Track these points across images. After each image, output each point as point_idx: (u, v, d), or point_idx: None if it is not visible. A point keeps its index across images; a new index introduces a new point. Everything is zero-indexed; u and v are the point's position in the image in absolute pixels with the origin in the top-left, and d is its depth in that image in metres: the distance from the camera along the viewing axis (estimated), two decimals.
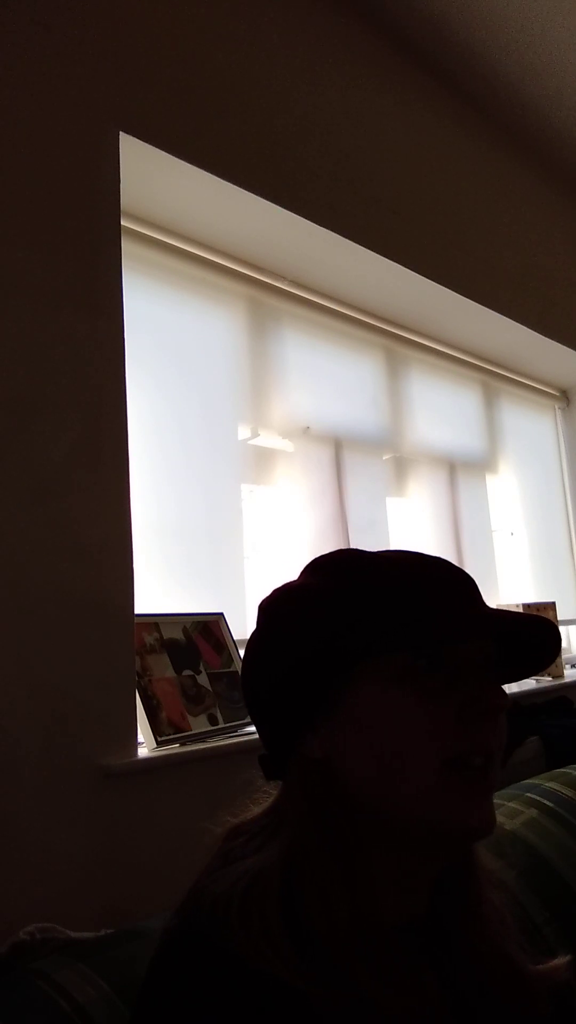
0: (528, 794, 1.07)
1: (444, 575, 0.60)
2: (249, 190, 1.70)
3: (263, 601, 0.64)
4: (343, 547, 2.01)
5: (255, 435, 1.97)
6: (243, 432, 1.94)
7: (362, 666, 0.55)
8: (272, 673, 0.59)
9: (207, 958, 0.49)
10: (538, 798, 1.05)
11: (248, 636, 0.64)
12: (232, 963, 0.48)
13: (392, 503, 2.32)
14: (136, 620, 1.34)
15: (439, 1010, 0.53)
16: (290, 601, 0.61)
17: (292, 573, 0.67)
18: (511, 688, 2.30)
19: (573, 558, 3.10)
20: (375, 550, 0.64)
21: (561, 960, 0.63)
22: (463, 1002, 0.56)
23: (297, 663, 0.57)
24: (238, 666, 1.55)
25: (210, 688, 1.48)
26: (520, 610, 2.37)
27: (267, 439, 1.99)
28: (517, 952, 0.60)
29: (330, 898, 0.51)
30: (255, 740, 0.80)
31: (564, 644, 2.79)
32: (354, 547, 0.65)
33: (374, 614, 0.56)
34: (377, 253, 2.02)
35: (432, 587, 0.58)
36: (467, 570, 0.62)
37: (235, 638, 1.60)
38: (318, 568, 0.63)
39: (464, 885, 0.60)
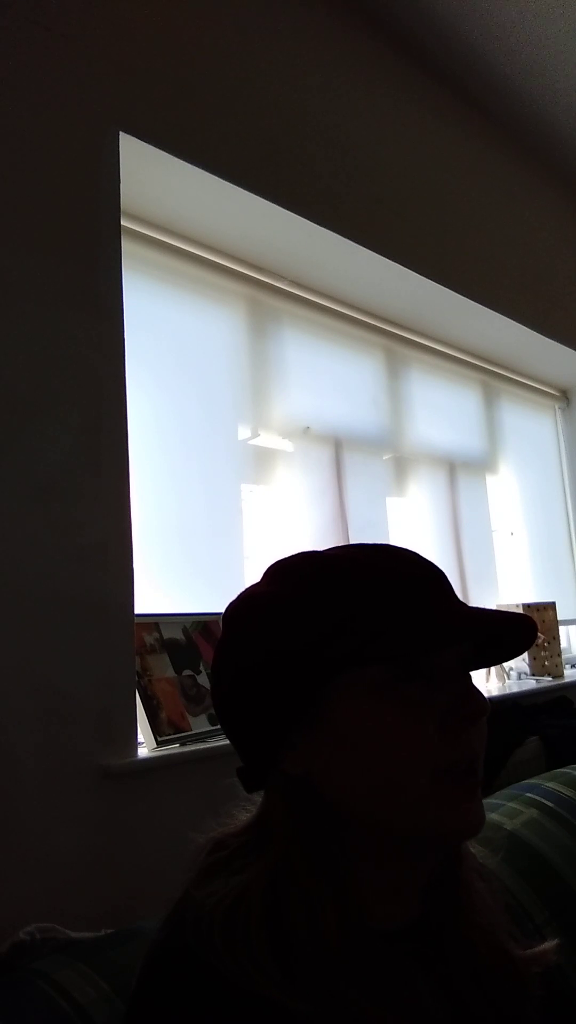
0: (528, 794, 1.07)
1: (414, 573, 0.58)
2: (249, 190, 1.70)
3: (228, 609, 0.62)
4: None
5: (255, 435, 1.97)
6: (243, 432, 1.94)
7: (337, 679, 0.54)
8: (244, 688, 0.58)
9: (192, 976, 0.49)
10: (538, 798, 1.05)
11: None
12: (217, 981, 0.48)
13: (392, 503, 2.32)
14: (136, 620, 1.34)
15: (433, 1021, 0.53)
16: (259, 612, 0.59)
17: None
18: (511, 688, 2.30)
19: (573, 558, 3.10)
20: (338, 547, 0.62)
21: (550, 944, 0.63)
22: (456, 996, 0.56)
23: (269, 678, 0.56)
24: None
25: (210, 688, 1.48)
26: (519, 610, 2.37)
27: (267, 439, 1.99)
28: (506, 938, 0.61)
29: (317, 916, 0.51)
30: None
31: (564, 644, 2.79)
32: (313, 549, 0.63)
33: (347, 626, 0.54)
34: (377, 253, 2.02)
35: (405, 591, 0.56)
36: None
37: None
38: (283, 574, 0.61)
39: (451, 877, 0.60)
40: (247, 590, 0.62)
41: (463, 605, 0.58)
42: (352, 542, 0.67)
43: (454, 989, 0.56)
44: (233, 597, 0.64)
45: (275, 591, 0.60)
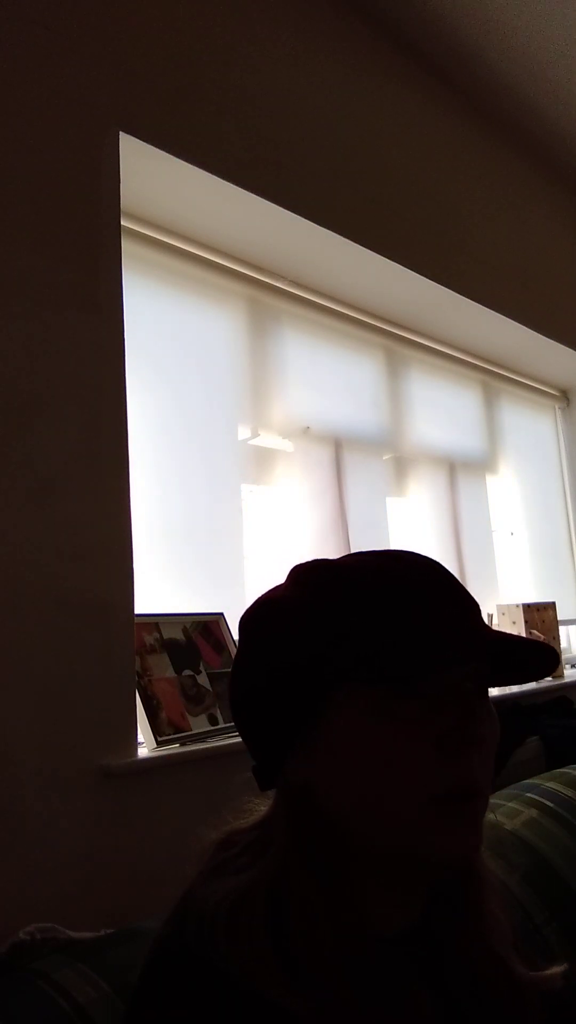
0: (528, 794, 1.07)
1: (426, 584, 0.56)
2: (249, 190, 1.70)
3: (243, 616, 0.62)
4: (339, 549, 2.00)
5: (255, 435, 1.97)
6: (243, 432, 1.94)
7: (336, 691, 0.53)
8: (252, 693, 0.58)
9: (194, 973, 0.49)
10: (538, 798, 1.06)
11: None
12: (218, 979, 0.48)
13: (392, 503, 2.32)
14: (136, 620, 1.34)
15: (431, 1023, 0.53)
16: (267, 619, 0.60)
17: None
18: (512, 688, 2.30)
19: (573, 558, 3.10)
20: (354, 554, 0.62)
21: (558, 968, 0.62)
22: (455, 1008, 0.55)
23: (273, 686, 0.56)
24: None
25: (210, 688, 1.48)
26: (519, 610, 2.37)
27: (267, 439, 1.99)
28: (512, 957, 0.59)
29: (314, 917, 0.51)
30: None
31: (564, 644, 2.79)
32: (327, 556, 0.62)
33: (348, 641, 0.53)
34: (377, 253, 2.02)
35: (410, 606, 0.54)
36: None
37: (235, 638, 1.60)
38: (297, 579, 0.61)
39: (462, 889, 0.59)
40: (264, 595, 0.63)
41: (466, 620, 0.56)
42: (353, 543, 0.67)
43: (452, 998, 0.56)
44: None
45: (285, 598, 0.60)
